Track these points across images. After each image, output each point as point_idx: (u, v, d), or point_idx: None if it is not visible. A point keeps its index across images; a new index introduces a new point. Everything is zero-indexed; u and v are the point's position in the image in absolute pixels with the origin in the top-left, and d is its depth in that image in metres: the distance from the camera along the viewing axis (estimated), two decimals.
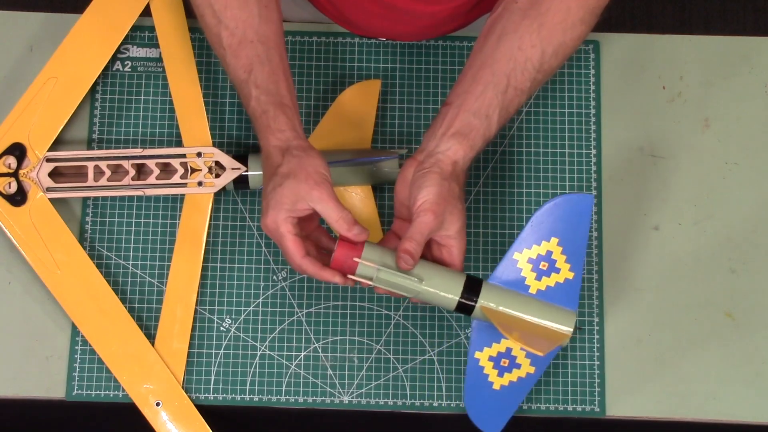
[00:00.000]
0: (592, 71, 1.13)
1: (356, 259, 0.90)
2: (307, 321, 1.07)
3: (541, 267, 0.93)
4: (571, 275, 0.93)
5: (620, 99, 1.13)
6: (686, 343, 1.08)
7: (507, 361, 0.95)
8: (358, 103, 1.10)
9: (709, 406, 1.07)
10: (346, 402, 1.06)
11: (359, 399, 1.06)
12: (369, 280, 0.90)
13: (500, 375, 0.95)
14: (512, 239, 1.08)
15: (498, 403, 0.96)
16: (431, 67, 1.13)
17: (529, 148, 1.11)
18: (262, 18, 0.94)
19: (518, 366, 0.95)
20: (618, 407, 1.06)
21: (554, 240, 0.93)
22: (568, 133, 1.11)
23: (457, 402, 1.06)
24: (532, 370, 0.95)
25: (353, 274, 0.91)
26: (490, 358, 0.95)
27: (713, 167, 1.11)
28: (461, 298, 0.91)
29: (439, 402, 1.06)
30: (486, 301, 0.92)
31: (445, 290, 0.92)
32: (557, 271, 0.93)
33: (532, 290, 0.93)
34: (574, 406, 1.06)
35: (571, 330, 0.92)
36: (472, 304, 0.92)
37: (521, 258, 0.94)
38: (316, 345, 1.07)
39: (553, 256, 0.93)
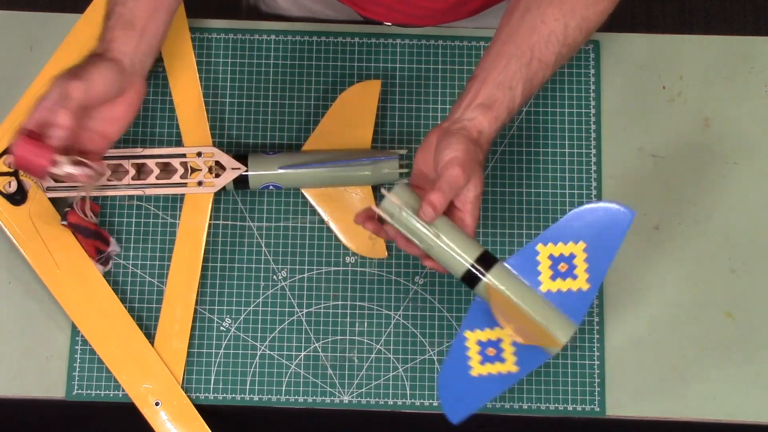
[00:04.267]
0: (592, 71, 1.13)
1: (384, 192, 0.87)
2: (307, 321, 1.07)
3: (559, 268, 0.90)
4: (586, 286, 0.90)
5: (620, 99, 1.13)
6: (686, 343, 1.08)
7: (494, 350, 0.91)
8: (358, 103, 1.10)
9: (709, 406, 1.07)
10: (346, 402, 1.06)
11: (359, 399, 1.06)
12: (390, 217, 0.87)
13: (482, 363, 0.91)
14: (512, 239, 1.09)
15: (471, 391, 0.92)
16: (431, 67, 1.13)
17: (529, 148, 1.11)
18: None
19: (503, 360, 0.91)
20: (618, 407, 1.06)
21: (582, 245, 0.90)
22: (568, 133, 1.11)
23: None
24: (515, 369, 0.91)
25: (38, 173, 0.88)
26: (479, 342, 0.91)
27: (713, 167, 1.11)
28: (472, 265, 0.88)
29: (439, 402, 1.06)
30: (495, 279, 0.88)
31: (459, 252, 0.88)
32: (574, 277, 0.90)
33: (543, 288, 0.90)
34: (574, 406, 1.06)
35: (566, 342, 0.89)
36: (480, 276, 0.88)
37: (543, 252, 0.90)
38: (316, 345, 1.07)
39: (575, 261, 0.90)
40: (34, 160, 0.85)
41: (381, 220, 0.90)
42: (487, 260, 0.88)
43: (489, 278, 0.88)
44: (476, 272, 0.88)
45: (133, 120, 0.94)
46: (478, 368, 0.91)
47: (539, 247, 0.90)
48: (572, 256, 0.90)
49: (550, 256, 0.90)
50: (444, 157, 0.88)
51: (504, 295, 0.89)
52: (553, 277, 0.90)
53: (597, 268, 0.89)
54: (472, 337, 0.91)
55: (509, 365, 0.91)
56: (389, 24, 1.15)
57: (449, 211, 0.90)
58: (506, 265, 0.89)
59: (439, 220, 0.88)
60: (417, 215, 0.87)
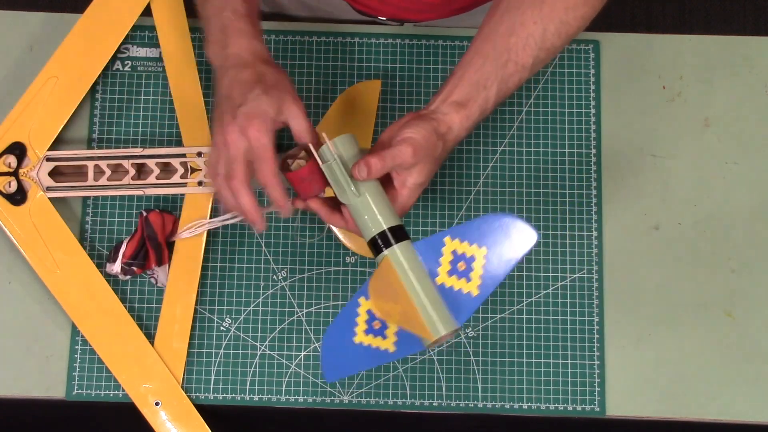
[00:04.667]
0: (592, 71, 1.13)
1: (325, 136, 0.87)
2: (307, 321, 1.07)
3: (459, 266, 0.90)
4: (476, 292, 0.90)
5: (620, 99, 1.13)
6: (686, 343, 1.08)
7: (379, 324, 0.91)
8: (358, 103, 1.10)
9: (709, 406, 1.07)
10: (346, 402, 1.06)
11: (359, 399, 1.06)
12: (321, 162, 0.88)
13: (366, 333, 0.91)
14: None
15: (349, 355, 0.92)
16: (431, 67, 1.13)
17: (529, 147, 1.11)
18: None
19: (384, 336, 0.91)
20: (618, 407, 1.06)
21: (484, 250, 0.90)
22: (568, 133, 1.11)
23: (457, 402, 1.06)
24: (391, 349, 0.91)
25: (307, 197, 0.91)
26: (369, 312, 0.91)
27: (713, 167, 1.11)
28: (379, 234, 0.88)
29: (439, 402, 1.06)
30: (400, 252, 0.88)
31: (372, 217, 0.89)
32: (468, 279, 0.90)
33: (438, 280, 0.90)
34: (574, 406, 1.06)
35: (440, 336, 0.87)
36: (382, 247, 0.89)
37: (449, 245, 0.90)
38: (316, 345, 1.07)
39: (473, 263, 0.90)
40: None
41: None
42: (398, 234, 0.89)
43: (395, 249, 0.88)
44: (380, 243, 0.89)
45: None
46: (361, 336, 0.91)
47: (447, 239, 0.90)
48: (472, 259, 0.90)
49: (453, 252, 0.90)
50: (402, 134, 0.88)
51: (400, 272, 0.89)
52: (450, 273, 0.90)
53: (490, 277, 0.90)
54: (365, 305, 0.91)
55: (388, 343, 0.91)
56: (383, 19, 1.15)
57: (386, 188, 0.90)
58: (413, 245, 0.90)
59: (370, 182, 0.88)
60: (351, 170, 0.88)
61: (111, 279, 1.07)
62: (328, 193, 0.91)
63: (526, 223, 0.89)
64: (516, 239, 0.90)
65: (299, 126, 0.87)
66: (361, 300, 0.90)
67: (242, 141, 0.86)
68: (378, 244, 0.89)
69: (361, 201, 0.88)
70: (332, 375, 0.92)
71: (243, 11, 0.91)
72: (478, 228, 0.90)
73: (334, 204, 0.92)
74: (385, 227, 0.88)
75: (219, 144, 0.87)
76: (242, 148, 0.86)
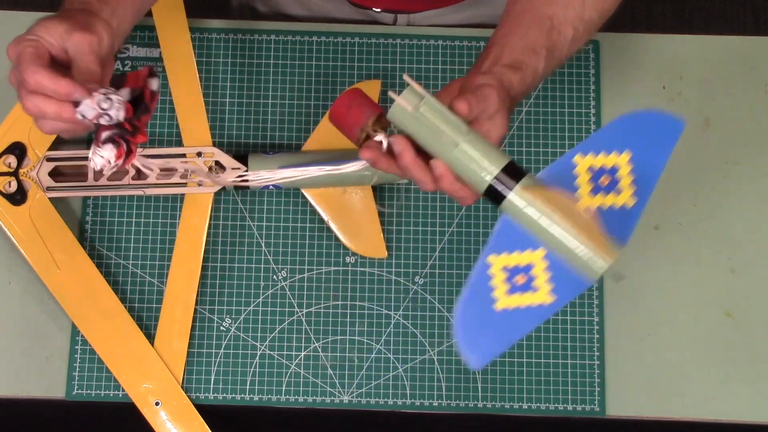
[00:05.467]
0: (592, 71, 1.13)
1: (407, 78, 0.77)
2: (307, 321, 1.07)
3: (601, 181, 0.78)
4: (631, 202, 0.77)
5: (620, 99, 1.13)
6: (686, 343, 1.08)
7: (524, 278, 0.77)
8: None
9: (709, 406, 1.07)
10: (346, 402, 1.06)
11: (359, 399, 1.06)
12: (412, 107, 0.77)
13: (510, 293, 0.77)
14: None
15: (495, 329, 0.78)
16: (431, 67, 1.13)
17: (529, 147, 1.11)
18: None
19: (535, 289, 0.77)
20: (618, 407, 1.06)
21: (626, 155, 0.78)
22: (568, 133, 1.11)
23: (457, 402, 1.06)
24: (550, 299, 0.77)
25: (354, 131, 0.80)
26: (505, 269, 0.77)
27: (713, 167, 1.11)
28: (497, 177, 0.76)
29: (439, 402, 1.06)
30: (525, 192, 0.76)
31: (486, 157, 0.76)
32: (618, 191, 0.77)
33: (581, 205, 0.77)
34: (574, 406, 1.06)
35: (607, 265, 0.75)
36: (504, 190, 0.76)
37: (582, 164, 0.78)
38: (316, 345, 1.07)
39: (618, 173, 0.78)
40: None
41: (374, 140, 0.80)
42: (514, 171, 0.77)
43: (517, 191, 0.76)
44: (501, 184, 0.76)
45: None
46: (504, 300, 0.77)
47: (577, 158, 0.78)
48: (615, 169, 0.78)
49: (590, 169, 0.78)
50: (475, 82, 0.81)
51: (534, 214, 0.76)
52: (594, 192, 0.78)
53: (645, 181, 0.78)
54: (497, 263, 0.77)
55: (543, 295, 0.77)
56: (377, 11, 1.15)
57: None
58: (537, 177, 0.78)
59: (466, 125, 0.78)
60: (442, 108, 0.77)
61: (111, 279, 1.07)
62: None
63: (665, 112, 0.79)
64: (659, 132, 0.79)
65: (74, 51, 0.81)
66: (491, 259, 0.77)
67: (14, 54, 0.81)
68: (496, 191, 0.76)
69: (466, 143, 0.77)
70: (479, 359, 0.78)
71: None
72: (610, 135, 0.78)
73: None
74: (502, 165, 0.76)
75: (10, 75, 0.82)
76: (14, 59, 0.81)
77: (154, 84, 0.82)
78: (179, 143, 1.09)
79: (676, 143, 0.80)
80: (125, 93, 0.81)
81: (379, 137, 0.80)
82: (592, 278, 0.76)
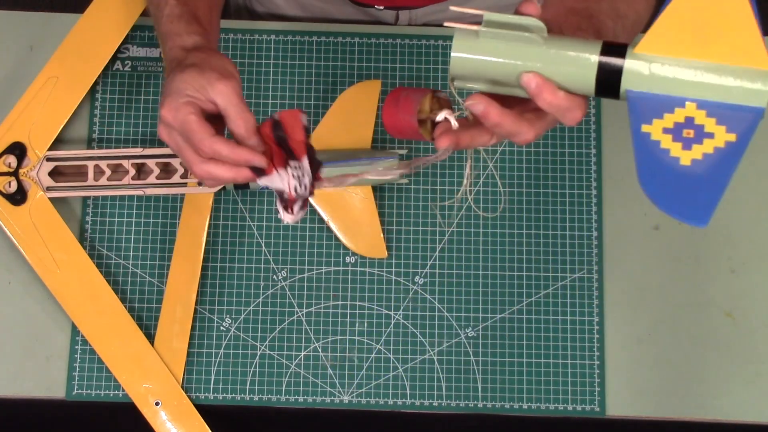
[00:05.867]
0: None
1: (453, 8, 0.68)
2: (307, 321, 1.07)
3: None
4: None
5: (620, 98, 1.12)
6: (686, 343, 1.08)
7: (691, 131, 0.68)
8: (358, 103, 1.10)
9: (709, 406, 1.06)
10: (346, 402, 1.06)
11: (359, 399, 1.06)
12: (477, 25, 0.67)
13: (687, 148, 0.68)
14: (511, 239, 1.09)
15: (695, 180, 0.68)
16: (431, 67, 1.13)
17: (529, 147, 1.11)
18: None
19: (710, 135, 0.68)
20: (618, 407, 1.06)
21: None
22: (568, 133, 1.11)
23: (457, 402, 1.06)
24: (731, 137, 0.67)
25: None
26: (666, 131, 0.68)
27: None
28: (602, 51, 0.67)
29: (439, 402, 1.06)
30: (639, 51, 0.66)
31: (578, 43, 0.67)
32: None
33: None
34: (574, 406, 1.06)
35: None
36: (620, 58, 0.66)
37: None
38: (316, 345, 1.07)
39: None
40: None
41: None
42: (612, 47, 0.68)
43: (632, 55, 0.67)
44: (611, 57, 0.67)
45: None
46: (686, 154, 0.68)
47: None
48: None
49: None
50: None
51: (665, 66, 0.67)
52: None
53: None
54: (654, 129, 0.69)
55: (722, 135, 0.68)
56: (381, 8, 1.15)
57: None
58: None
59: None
60: (520, 11, 0.68)
61: (111, 279, 1.07)
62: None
63: None
64: None
65: (226, 107, 0.80)
66: (645, 128, 0.68)
67: (171, 123, 0.81)
68: (610, 69, 0.67)
69: (553, 41, 0.68)
70: (702, 215, 0.68)
71: (177, 13, 0.88)
72: None
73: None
74: (599, 43, 0.67)
75: (163, 133, 0.82)
76: (175, 127, 0.81)
77: (304, 119, 0.80)
78: None
79: None
80: (306, 161, 0.80)
81: (442, 115, 0.72)
82: (761, 103, 0.67)
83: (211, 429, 1.04)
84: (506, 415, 1.06)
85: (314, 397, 1.06)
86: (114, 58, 1.12)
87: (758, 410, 1.06)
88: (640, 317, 1.08)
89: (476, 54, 0.68)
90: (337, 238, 1.08)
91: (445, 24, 0.69)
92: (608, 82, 0.68)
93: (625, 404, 1.06)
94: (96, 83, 1.10)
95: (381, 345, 1.07)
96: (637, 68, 0.67)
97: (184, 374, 1.06)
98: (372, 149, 1.09)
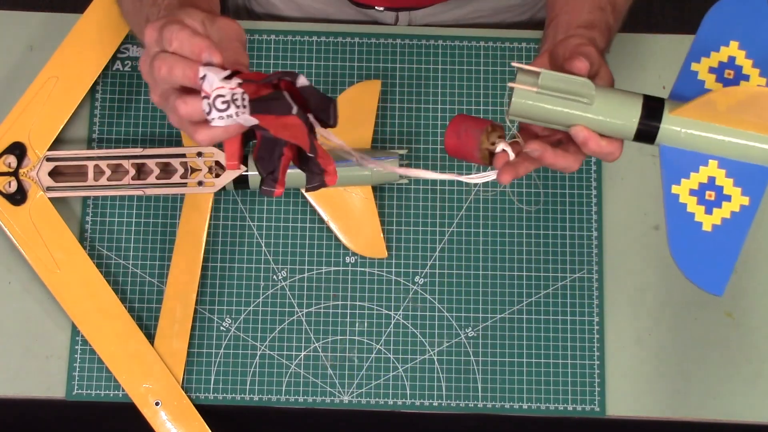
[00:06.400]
0: None
1: (515, 64, 0.77)
2: (307, 321, 1.07)
3: (726, 76, 0.79)
4: (763, 81, 0.79)
5: None
6: (686, 343, 1.08)
7: (713, 193, 0.78)
8: (358, 103, 1.10)
9: (709, 406, 1.07)
10: (346, 402, 1.06)
11: (359, 399, 1.06)
12: (533, 87, 0.76)
13: (708, 212, 0.78)
14: (512, 239, 1.09)
15: (715, 249, 0.79)
16: (431, 67, 1.13)
17: None
18: None
19: (728, 198, 0.78)
20: (618, 407, 1.06)
21: (734, 44, 0.79)
22: None
23: (457, 402, 1.06)
24: (745, 201, 0.78)
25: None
26: (692, 192, 0.78)
27: None
28: (643, 116, 0.77)
29: (439, 402, 1.06)
30: (673, 115, 0.76)
31: (623, 104, 0.77)
32: (746, 78, 0.78)
33: (721, 107, 0.77)
34: (574, 406, 1.06)
35: None
36: (656, 122, 0.77)
37: (701, 69, 0.79)
38: (316, 345, 1.07)
39: (737, 62, 0.79)
40: None
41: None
42: (652, 104, 0.78)
43: (666, 120, 0.77)
44: (649, 122, 0.77)
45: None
46: (708, 219, 0.78)
47: (694, 66, 0.80)
48: (732, 58, 0.79)
49: (711, 69, 0.80)
50: (569, 44, 0.81)
51: (693, 129, 0.77)
52: (726, 86, 0.79)
53: (764, 58, 0.79)
54: (682, 191, 0.78)
55: (738, 199, 0.79)
56: (381, 9, 1.15)
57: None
58: (672, 98, 0.79)
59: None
60: (571, 69, 0.78)
61: (111, 279, 1.07)
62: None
63: None
64: (748, 9, 0.80)
65: (219, 34, 0.75)
66: (675, 189, 0.78)
67: (153, 33, 0.74)
68: (647, 130, 0.77)
69: (600, 98, 0.77)
70: (719, 284, 0.79)
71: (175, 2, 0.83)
72: (708, 36, 0.80)
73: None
74: (640, 104, 0.77)
75: (142, 63, 0.75)
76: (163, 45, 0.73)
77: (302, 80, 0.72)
78: (179, 143, 1.09)
79: None
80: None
81: (500, 147, 0.80)
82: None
83: (211, 429, 1.04)
84: (506, 415, 1.06)
85: (314, 397, 1.06)
86: (114, 58, 1.12)
87: (758, 410, 1.06)
88: (640, 317, 1.08)
89: (532, 106, 0.78)
90: (337, 238, 1.08)
91: (513, 63, 0.78)
92: (645, 137, 0.78)
93: (625, 404, 1.06)
94: (96, 83, 1.11)
95: (381, 345, 1.07)
96: (671, 129, 0.77)
97: (184, 374, 1.06)
98: (372, 149, 1.09)
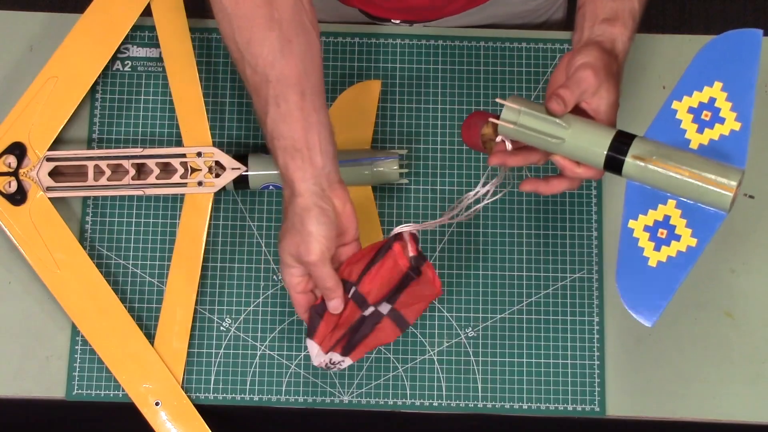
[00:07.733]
0: None
1: (500, 100, 0.87)
2: None
3: (703, 117, 0.83)
4: (737, 126, 0.83)
5: (620, 99, 1.12)
6: (686, 343, 1.08)
7: (665, 231, 0.84)
8: (358, 103, 1.10)
9: (709, 406, 1.07)
10: (346, 402, 1.06)
11: (359, 399, 1.06)
12: (512, 124, 0.86)
13: (657, 249, 0.84)
14: (512, 239, 1.09)
15: (655, 283, 0.84)
16: (431, 67, 1.13)
17: None
18: (284, 53, 0.88)
19: (677, 237, 0.84)
20: (618, 407, 1.06)
21: (717, 85, 0.83)
22: None
23: (457, 402, 1.06)
24: (693, 242, 0.83)
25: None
26: (646, 228, 0.84)
27: None
28: (610, 149, 0.84)
29: (439, 402, 1.06)
30: (639, 153, 0.83)
31: (593, 138, 0.85)
32: (721, 121, 0.83)
33: (693, 145, 0.83)
34: (574, 406, 1.06)
35: (735, 184, 0.81)
36: (621, 157, 0.83)
37: (681, 107, 0.84)
38: None
39: (716, 104, 0.83)
40: None
41: (487, 138, 0.92)
42: (624, 138, 0.85)
43: (633, 154, 0.84)
44: (615, 156, 0.84)
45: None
46: (654, 256, 0.85)
47: (675, 104, 0.85)
48: (712, 101, 0.84)
49: (690, 110, 0.85)
50: (575, 63, 0.87)
51: (656, 166, 0.83)
52: (700, 130, 0.84)
53: (742, 102, 0.83)
54: (638, 226, 0.85)
55: (686, 240, 0.84)
56: (397, 22, 1.15)
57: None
58: (645, 137, 0.85)
59: (568, 114, 0.86)
60: (540, 113, 0.86)
61: (111, 279, 1.07)
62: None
63: (737, 30, 0.84)
64: (740, 50, 0.84)
65: (318, 278, 0.89)
66: (631, 224, 0.85)
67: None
68: (616, 159, 0.84)
69: (572, 133, 0.85)
70: (651, 315, 0.85)
71: (285, 134, 0.89)
72: (697, 72, 0.84)
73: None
74: (608, 144, 0.84)
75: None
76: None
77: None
78: (179, 143, 1.10)
79: (759, 56, 0.84)
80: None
81: (499, 138, 0.90)
82: (724, 207, 0.83)
83: (211, 429, 1.04)
84: (506, 415, 1.06)
85: (314, 397, 1.06)
86: (114, 58, 1.12)
87: (758, 410, 1.06)
88: None
89: (514, 135, 0.88)
90: None
91: (497, 99, 0.88)
92: (613, 168, 0.85)
93: (625, 404, 1.06)
94: (96, 83, 1.11)
95: (381, 345, 1.07)
96: (635, 164, 0.84)
97: (184, 374, 1.06)
98: (372, 149, 1.09)
